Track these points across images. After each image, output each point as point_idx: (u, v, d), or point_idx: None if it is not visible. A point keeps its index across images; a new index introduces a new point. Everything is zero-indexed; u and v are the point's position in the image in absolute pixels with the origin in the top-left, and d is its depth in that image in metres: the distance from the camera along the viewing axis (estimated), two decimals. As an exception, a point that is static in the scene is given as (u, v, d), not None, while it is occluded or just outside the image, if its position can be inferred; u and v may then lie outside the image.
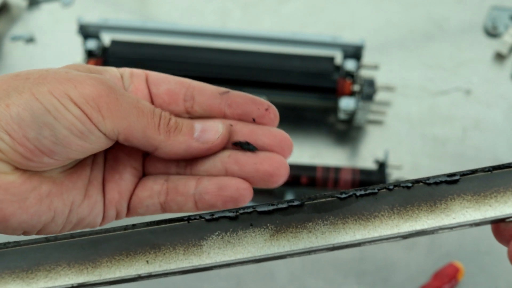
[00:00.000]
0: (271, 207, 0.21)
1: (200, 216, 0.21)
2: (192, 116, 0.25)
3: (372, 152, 0.64)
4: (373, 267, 0.56)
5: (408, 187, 0.21)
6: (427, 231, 0.21)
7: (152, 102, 0.25)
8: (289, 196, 0.60)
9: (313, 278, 0.55)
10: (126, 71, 0.25)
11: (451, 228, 0.22)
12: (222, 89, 0.26)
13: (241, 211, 0.21)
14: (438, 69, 0.72)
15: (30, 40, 0.73)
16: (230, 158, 0.24)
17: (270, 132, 0.25)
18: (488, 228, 0.63)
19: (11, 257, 0.20)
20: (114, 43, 0.66)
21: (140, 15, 0.77)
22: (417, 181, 0.22)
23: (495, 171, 0.22)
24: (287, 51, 0.66)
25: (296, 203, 0.21)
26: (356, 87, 0.64)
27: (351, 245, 0.20)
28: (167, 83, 0.25)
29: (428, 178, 0.22)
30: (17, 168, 0.21)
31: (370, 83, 0.62)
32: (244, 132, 0.25)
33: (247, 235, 0.20)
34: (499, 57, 0.73)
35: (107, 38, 0.67)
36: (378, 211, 0.21)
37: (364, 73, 0.66)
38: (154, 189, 0.24)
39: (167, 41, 0.67)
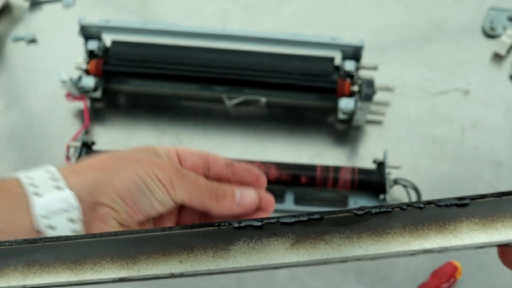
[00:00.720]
0: (293, 219, 0.23)
1: (229, 223, 0.23)
2: (207, 178, 0.33)
3: (371, 152, 0.64)
4: (372, 266, 0.56)
5: (420, 208, 0.23)
6: (434, 250, 0.23)
7: None
8: (289, 196, 0.61)
9: (313, 277, 0.56)
10: (164, 149, 0.33)
11: (457, 249, 0.23)
12: (229, 161, 0.34)
13: (266, 221, 0.23)
14: (437, 70, 0.72)
15: (32, 40, 0.74)
16: None
17: (261, 194, 0.33)
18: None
19: (62, 249, 0.23)
20: (115, 43, 0.67)
21: (141, 16, 0.77)
22: (429, 202, 0.23)
23: (504, 197, 0.23)
24: (287, 52, 0.67)
25: (316, 216, 0.23)
26: (355, 88, 0.64)
27: (363, 259, 0.22)
28: (191, 157, 0.34)
29: (440, 200, 0.23)
30: (120, 224, 0.29)
31: (370, 83, 0.62)
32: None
33: (270, 243, 0.23)
34: (498, 57, 0.73)
35: (108, 39, 0.68)
36: (391, 228, 0.22)
37: (364, 73, 0.67)
38: None
39: (168, 42, 0.67)
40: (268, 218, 0.23)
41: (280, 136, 0.66)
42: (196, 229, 0.23)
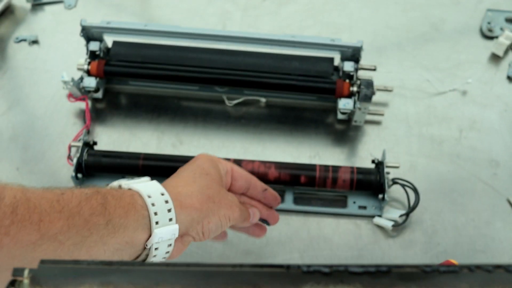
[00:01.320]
0: (361, 269, 0.23)
1: (298, 267, 0.23)
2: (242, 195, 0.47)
3: (370, 152, 0.65)
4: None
5: (489, 271, 0.23)
6: None
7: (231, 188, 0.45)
8: (288, 195, 0.61)
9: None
10: (224, 167, 0.43)
11: None
12: (264, 187, 0.46)
13: (335, 269, 0.23)
14: (435, 71, 0.73)
15: (34, 41, 0.74)
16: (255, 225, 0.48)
17: (275, 215, 0.48)
18: (484, 227, 0.64)
19: (135, 274, 0.24)
20: (116, 44, 0.67)
21: (142, 17, 0.78)
22: (498, 266, 0.23)
23: None
24: (286, 53, 0.67)
25: (384, 269, 0.23)
26: (354, 88, 0.65)
27: None
28: (240, 180, 0.44)
29: (510, 266, 0.23)
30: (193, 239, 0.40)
31: (369, 84, 0.63)
32: (264, 213, 0.47)
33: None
34: (495, 58, 0.74)
35: (109, 40, 0.68)
36: None
37: (362, 74, 0.67)
38: None
39: (169, 43, 0.68)
40: (337, 266, 0.23)
41: (280, 136, 0.66)
42: (265, 269, 0.23)
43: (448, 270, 0.22)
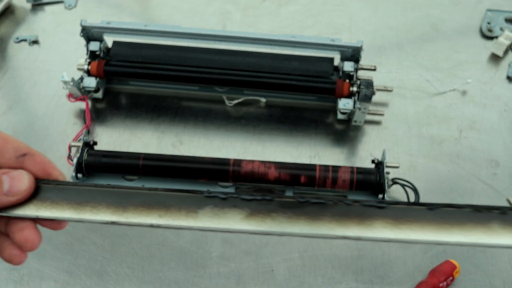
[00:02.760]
0: (250, 197, 0.28)
1: (201, 192, 0.28)
2: None
3: (370, 152, 0.65)
4: (371, 264, 0.57)
5: (348, 204, 0.29)
6: (351, 238, 0.28)
7: None
8: (288, 195, 0.61)
9: (312, 276, 0.56)
10: None
11: (368, 240, 0.28)
12: (23, 151, 0.30)
13: (230, 195, 0.28)
14: (434, 71, 0.73)
15: (34, 42, 0.74)
16: None
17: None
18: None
19: (69, 192, 0.28)
20: (116, 44, 0.67)
21: (142, 17, 0.78)
22: (356, 201, 0.29)
23: (413, 206, 0.28)
24: (286, 53, 0.67)
25: (268, 198, 0.29)
26: (354, 88, 0.65)
27: (297, 235, 0.28)
28: None
29: (364, 201, 0.28)
30: None
31: (369, 84, 0.63)
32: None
33: (230, 212, 0.28)
34: (495, 58, 0.74)
35: (109, 40, 0.69)
36: (323, 216, 0.28)
37: (362, 74, 0.67)
38: None
39: (169, 43, 0.68)
40: (232, 193, 0.28)
41: (280, 136, 0.67)
42: (175, 192, 0.28)
43: (318, 202, 0.29)
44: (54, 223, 0.29)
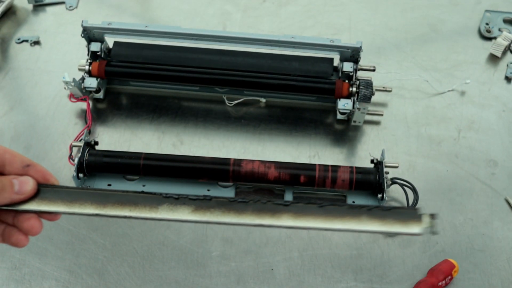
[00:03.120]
0: (195, 197, 0.39)
1: (160, 194, 0.39)
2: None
3: (369, 152, 0.65)
4: (370, 264, 0.57)
5: (264, 203, 0.39)
6: (265, 225, 0.38)
7: None
8: (288, 195, 0.61)
9: (312, 275, 0.56)
10: None
11: (277, 227, 0.39)
12: (27, 162, 0.39)
13: (181, 196, 0.39)
14: (433, 71, 0.73)
15: (35, 42, 0.75)
16: None
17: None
18: (482, 226, 0.64)
19: (62, 193, 0.39)
20: (117, 45, 0.68)
21: (143, 18, 0.78)
22: (269, 201, 0.39)
23: (309, 204, 0.39)
24: (286, 53, 0.68)
25: (208, 198, 0.39)
26: (354, 89, 0.65)
27: (228, 224, 0.39)
28: None
29: (275, 200, 0.39)
30: None
31: (368, 84, 0.63)
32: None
33: (181, 207, 0.39)
34: (493, 59, 0.74)
35: (110, 41, 0.69)
36: (247, 210, 0.38)
37: (362, 74, 0.68)
38: None
39: (169, 43, 0.68)
40: (183, 195, 0.39)
41: (280, 136, 0.67)
42: (141, 194, 0.39)
43: (242, 201, 0.39)
44: (51, 216, 0.39)
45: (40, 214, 0.38)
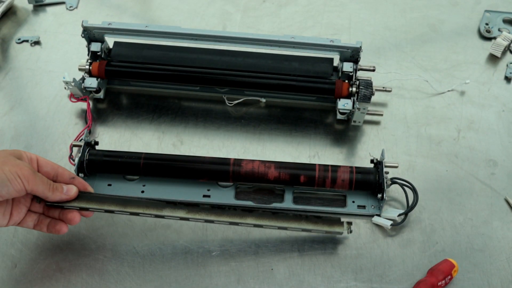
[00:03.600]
0: (187, 203, 0.57)
1: (165, 201, 0.56)
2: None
3: (369, 152, 0.65)
4: (370, 263, 0.57)
5: (235, 209, 0.57)
6: (235, 223, 0.57)
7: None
8: (288, 195, 0.62)
9: (312, 275, 0.57)
10: (28, 155, 0.53)
11: (245, 225, 0.57)
12: (72, 175, 0.55)
13: (178, 203, 0.56)
14: (433, 71, 0.73)
15: (36, 42, 0.75)
16: None
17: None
18: (482, 226, 0.64)
19: (95, 197, 0.55)
20: (117, 45, 0.68)
21: (143, 18, 0.78)
22: (219, 207, 0.57)
23: (265, 211, 0.58)
24: (286, 53, 0.68)
25: (195, 204, 0.57)
26: (353, 89, 0.65)
27: (217, 223, 0.57)
28: (46, 166, 0.54)
29: (254, 208, 0.60)
30: None
31: (368, 84, 0.63)
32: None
33: (179, 210, 0.55)
34: (493, 59, 0.74)
35: (110, 41, 0.69)
36: (223, 214, 0.56)
37: (362, 74, 0.68)
38: (32, 217, 0.54)
39: (169, 43, 0.69)
40: (180, 202, 0.56)
41: (280, 136, 0.67)
42: (150, 201, 0.56)
43: (219, 207, 0.56)
44: (86, 212, 0.55)
45: (79, 211, 0.54)
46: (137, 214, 0.55)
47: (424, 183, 0.63)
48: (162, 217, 0.55)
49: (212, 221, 0.56)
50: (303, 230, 0.57)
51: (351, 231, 0.57)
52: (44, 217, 0.54)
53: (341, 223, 0.57)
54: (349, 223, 0.57)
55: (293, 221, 0.56)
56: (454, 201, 0.62)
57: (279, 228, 0.56)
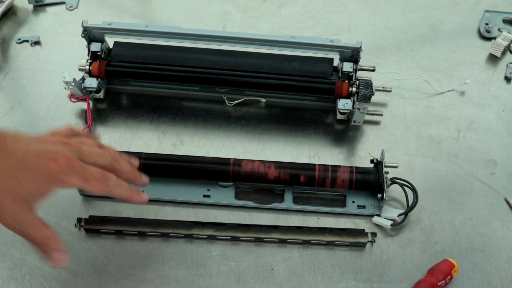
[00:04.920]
0: (216, 223, 0.59)
1: (192, 221, 0.59)
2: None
3: (369, 152, 0.65)
4: (370, 263, 0.57)
5: (261, 226, 0.59)
6: (263, 239, 0.59)
7: None
8: (288, 195, 0.62)
9: (312, 275, 0.57)
10: None
11: (269, 239, 0.59)
12: (134, 161, 0.54)
13: (198, 222, 0.59)
14: (433, 71, 0.73)
15: (36, 42, 0.75)
16: None
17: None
18: (482, 226, 0.64)
19: (129, 219, 0.59)
20: (117, 45, 0.68)
21: (143, 18, 0.78)
22: (264, 225, 0.59)
23: (289, 228, 0.59)
24: (286, 53, 0.68)
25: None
26: (353, 89, 0.65)
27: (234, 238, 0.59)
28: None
29: (280, 227, 0.59)
30: None
31: (368, 84, 0.63)
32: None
33: (206, 229, 0.58)
34: (493, 59, 0.74)
35: (111, 41, 0.69)
36: (248, 231, 0.59)
37: (361, 74, 0.68)
38: None
39: (169, 43, 0.69)
40: (207, 222, 0.59)
41: (280, 136, 0.67)
42: (181, 222, 0.59)
43: (239, 226, 0.58)
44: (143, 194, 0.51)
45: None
46: (167, 234, 0.57)
47: (424, 183, 0.63)
48: (191, 236, 0.57)
49: (238, 238, 0.57)
50: (328, 242, 0.57)
51: (374, 241, 0.58)
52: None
53: (365, 234, 0.57)
54: (374, 234, 0.57)
55: (317, 234, 0.57)
56: (454, 201, 0.62)
57: (304, 242, 0.57)
